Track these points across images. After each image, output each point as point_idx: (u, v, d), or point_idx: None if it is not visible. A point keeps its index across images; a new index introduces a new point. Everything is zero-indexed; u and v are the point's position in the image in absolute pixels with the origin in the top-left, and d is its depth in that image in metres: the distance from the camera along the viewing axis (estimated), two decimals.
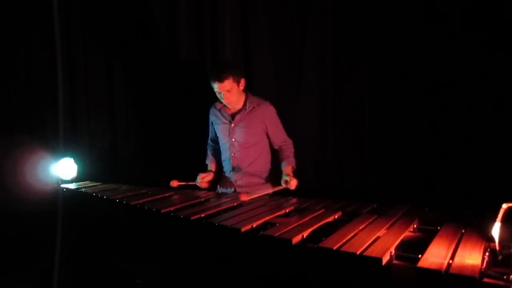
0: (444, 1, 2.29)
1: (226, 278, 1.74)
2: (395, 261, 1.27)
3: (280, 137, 2.50)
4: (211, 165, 2.65)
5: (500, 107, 2.15)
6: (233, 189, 2.51)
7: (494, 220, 1.22)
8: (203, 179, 2.52)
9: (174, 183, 2.48)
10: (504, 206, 1.22)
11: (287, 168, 2.38)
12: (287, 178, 2.29)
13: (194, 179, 2.53)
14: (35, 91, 3.46)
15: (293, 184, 2.28)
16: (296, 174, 2.37)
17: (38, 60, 3.40)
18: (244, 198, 2.09)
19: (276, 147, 2.52)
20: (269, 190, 2.32)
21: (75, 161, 2.74)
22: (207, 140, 2.71)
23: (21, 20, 3.35)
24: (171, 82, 3.13)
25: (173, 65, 3.12)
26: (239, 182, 2.51)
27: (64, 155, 2.78)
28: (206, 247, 1.82)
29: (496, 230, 1.21)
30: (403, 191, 2.37)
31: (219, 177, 2.64)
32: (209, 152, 2.70)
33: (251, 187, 2.43)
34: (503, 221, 1.21)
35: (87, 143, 3.35)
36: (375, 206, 1.90)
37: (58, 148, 3.22)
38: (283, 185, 2.30)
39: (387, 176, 2.55)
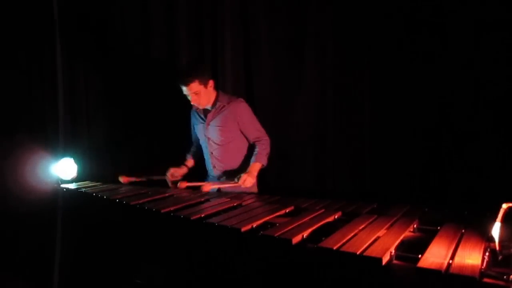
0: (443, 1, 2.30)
1: (226, 278, 1.74)
2: (395, 261, 1.27)
3: (253, 133, 2.51)
4: (188, 160, 2.73)
5: (500, 107, 2.15)
6: (216, 189, 2.53)
7: (494, 220, 1.22)
8: (172, 175, 2.58)
9: (124, 179, 2.55)
10: (504, 206, 1.22)
11: (252, 164, 2.42)
12: (241, 174, 2.34)
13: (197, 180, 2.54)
14: (35, 91, 3.46)
15: (245, 181, 2.32)
16: (296, 174, 2.37)
17: (38, 60, 3.40)
18: (205, 189, 2.32)
19: (250, 143, 2.54)
20: (219, 185, 2.43)
21: (75, 161, 2.73)
22: None
23: (22, 20, 3.34)
24: (171, 82, 3.12)
25: (173, 65, 3.12)
26: (221, 179, 2.55)
27: (64, 155, 2.78)
28: (206, 247, 1.82)
29: (496, 230, 1.21)
30: (403, 191, 2.38)
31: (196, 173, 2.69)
32: (191, 149, 2.78)
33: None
34: (503, 221, 1.21)
35: (87, 143, 3.35)
36: (375, 206, 1.90)
37: (58, 148, 3.22)
38: (235, 181, 2.34)
39: (387, 176, 2.55)
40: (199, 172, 2.72)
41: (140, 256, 2.26)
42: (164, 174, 2.62)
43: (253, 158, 2.45)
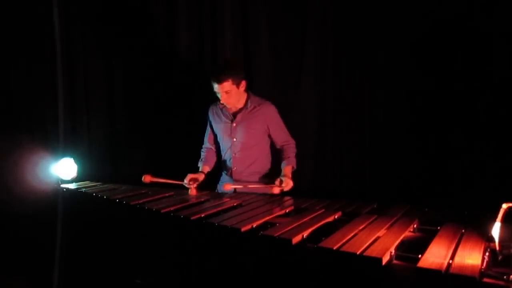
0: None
1: (226, 278, 1.74)
2: (395, 261, 1.27)
3: (282, 137, 2.49)
4: (203, 167, 2.58)
5: (500, 107, 2.15)
6: (233, 190, 2.50)
7: (494, 220, 1.22)
8: (191, 180, 2.40)
9: (147, 178, 2.39)
10: (504, 206, 1.22)
11: (286, 168, 2.38)
12: (283, 178, 2.29)
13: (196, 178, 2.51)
14: (35, 91, 3.46)
15: (287, 185, 2.28)
16: (296, 174, 2.37)
17: (38, 60, 3.40)
18: (227, 188, 2.25)
19: (278, 147, 2.51)
20: (259, 185, 2.35)
21: (75, 161, 2.73)
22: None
23: (22, 20, 3.34)
24: (171, 82, 3.13)
25: (173, 65, 3.12)
26: (238, 181, 2.50)
27: (64, 155, 2.78)
28: (206, 247, 1.82)
29: (496, 230, 1.21)
30: (403, 191, 2.37)
31: (216, 178, 2.62)
32: (203, 155, 2.65)
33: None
34: (503, 221, 1.21)
35: (87, 143, 3.35)
36: (375, 206, 1.90)
37: (58, 148, 3.21)
38: (277, 184, 2.29)
39: (387, 176, 2.55)
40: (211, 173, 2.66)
41: (140, 256, 2.26)
42: (181, 178, 2.46)
43: (285, 162, 2.41)
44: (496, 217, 1.22)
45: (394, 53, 2.46)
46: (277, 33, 2.84)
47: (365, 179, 2.65)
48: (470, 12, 2.21)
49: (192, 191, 2.34)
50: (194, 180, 2.41)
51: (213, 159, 2.64)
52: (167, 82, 3.15)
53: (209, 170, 2.60)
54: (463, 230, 1.45)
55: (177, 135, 3.10)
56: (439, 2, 2.30)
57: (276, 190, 2.30)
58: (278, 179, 2.30)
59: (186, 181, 2.40)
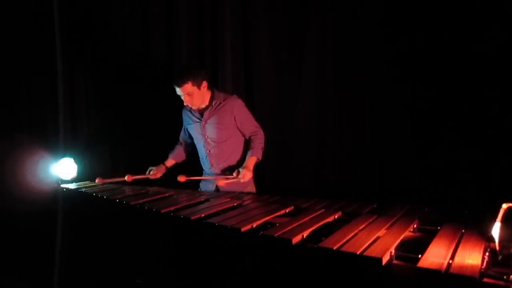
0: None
1: (226, 278, 1.74)
2: (395, 261, 1.27)
3: (250, 129, 2.54)
4: (168, 160, 2.73)
5: (500, 107, 2.15)
6: (214, 187, 2.55)
7: (494, 220, 1.22)
8: (151, 171, 2.62)
9: (182, 178, 2.48)
10: (504, 206, 1.22)
11: (248, 158, 2.44)
12: (240, 169, 2.36)
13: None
14: (35, 91, 3.46)
15: (244, 176, 2.35)
16: (296, 174, 2.37)
17: (39, 60, 3.40)
18: (181, 179, 2.41)
19: (246, 138, 2.56)
20: (219, 180, 2.44)
21: (75, 161, 2.73)
22: None
23: (22, 20, 3.35)
24: (170, 82, 3.12)
25: (173, 66, 3.12)
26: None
27: (64, 155, 2.78)
28: (206, 247, 1.82)
29: (496, 230, 1.21)
30: (403, 191, 2.37)
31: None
32: (172, 149, 2.78)
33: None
34: (503, 221, 1.21)
35: (87, 143, 3.35)
36: (375, 206, 1.90)
37: (58, 148, 3.21)
38: (234, 175, 2.37)
39: (387, 176, 2.55)
40: (194, 169, 2.71)
41: (140, 256, 2.26)
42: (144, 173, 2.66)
43: (249, 153, 2.47)
44: (496, 217, 1.22)
45: (395, 52, 2.46)
46: (277, 33, 2.83)
47: (365, 179, 2.65)
48: (470, 17, 2.21)
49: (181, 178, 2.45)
50: (155, 173, 2.61)
51: (181, 154, 2.77)
52: (166, 83, 3.14)
53: (174, 163, 2.74)
54: (463, 230, 1.45)
55: (177, 135, 3.10)
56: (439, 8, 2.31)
57: (223, 183, 2.41)
58: (236, 170, 2.37)
59: (147, 173, 2.61)
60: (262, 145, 2.51)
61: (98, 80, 3.36)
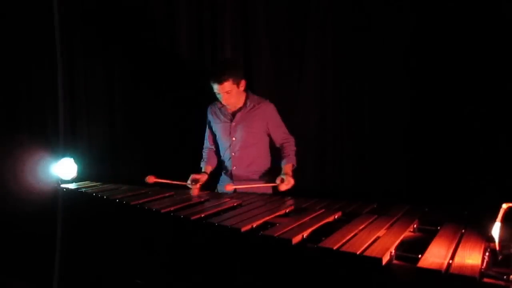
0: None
1: (226, 278, 1.74)
2: (395, 261, 1.27)
3: (282, 135, 2.49)
4: (206, 167, 2.58)
5: (500, 107, 2.15)
6: (233, 190, 2.48)
7: (494, 220, 1.22)
8: (194, 181, 2.39)
9: (151, 179, 2.37)
10: (504, 206, 1.22)
11: (286, 166, 2.38)
12: (283, 176, 2.29)
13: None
14: (35, 91, 3.47)
15: (288, 183, 2.28)
16: (296, 174, 2.37)
17: (39, 61, 3.40)
18: (228, 188, 2.27)
19: (278, 145, 2.51)
20: (261, 184, 2.35)
21: (75, 161, 2.73)
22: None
23: (22, 20, 3.35)
24: (170, 82, 3.13)
25: (173, 66, 3.12)
26: (238, 180, 2.49)
27: (64, 155, 2.78)
28: (206, 247, 1.82)
29: (496, 230, 1.21)
30: (403, 191, 2.37)
31: (216, 179, 2.62)
32: (204, 155, 2.64)
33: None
34: (503, 221, 1.21)
35: (87, 143, 3.35)
36: (375, 206, 1.90)
37: (58, 148, 3.22)
38: (278, 183, 2.30)
39: (387, 176, 2.54)
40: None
41: (140, 256, 2.26)
42: (181, 179, 2.46)
43: (285, 160, 2.40)
44: (496, 217, 1.22)
45: (395, 52, 2.46)
46: (278, 33, 2.83)
47: (365, 179, 2.64)
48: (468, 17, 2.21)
49: (194, 191, 2.34)
50: (196, 180, 2.41)
51: (214, 159, 2.63)
52: (167, 83, 3.15)
53: (211, 169, 2.60)
54: (463, 230, 1.45)
55: (176, 135, 3.10)
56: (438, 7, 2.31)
57: (279, 188, 2.30)
58: (279, 178, 2.30)
59: (189, 181, 2.39)
60: (295, 151, 2.46)
61: (98, 80, 3.36)
